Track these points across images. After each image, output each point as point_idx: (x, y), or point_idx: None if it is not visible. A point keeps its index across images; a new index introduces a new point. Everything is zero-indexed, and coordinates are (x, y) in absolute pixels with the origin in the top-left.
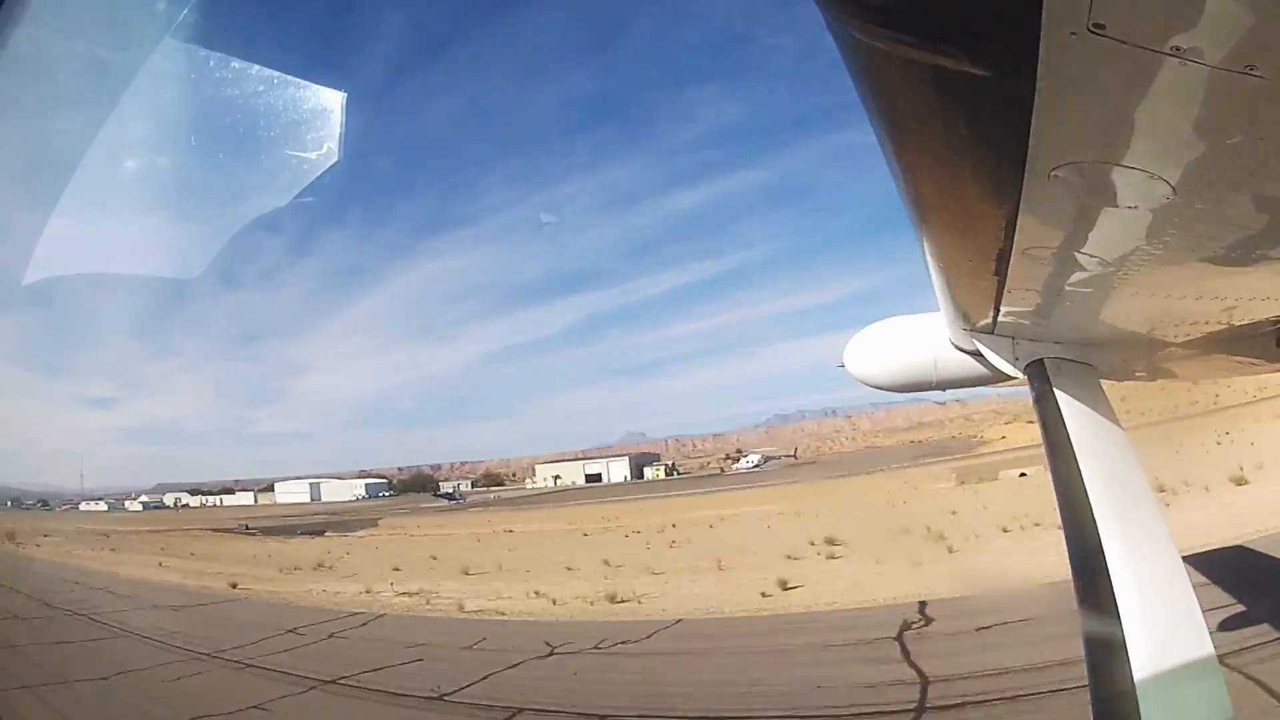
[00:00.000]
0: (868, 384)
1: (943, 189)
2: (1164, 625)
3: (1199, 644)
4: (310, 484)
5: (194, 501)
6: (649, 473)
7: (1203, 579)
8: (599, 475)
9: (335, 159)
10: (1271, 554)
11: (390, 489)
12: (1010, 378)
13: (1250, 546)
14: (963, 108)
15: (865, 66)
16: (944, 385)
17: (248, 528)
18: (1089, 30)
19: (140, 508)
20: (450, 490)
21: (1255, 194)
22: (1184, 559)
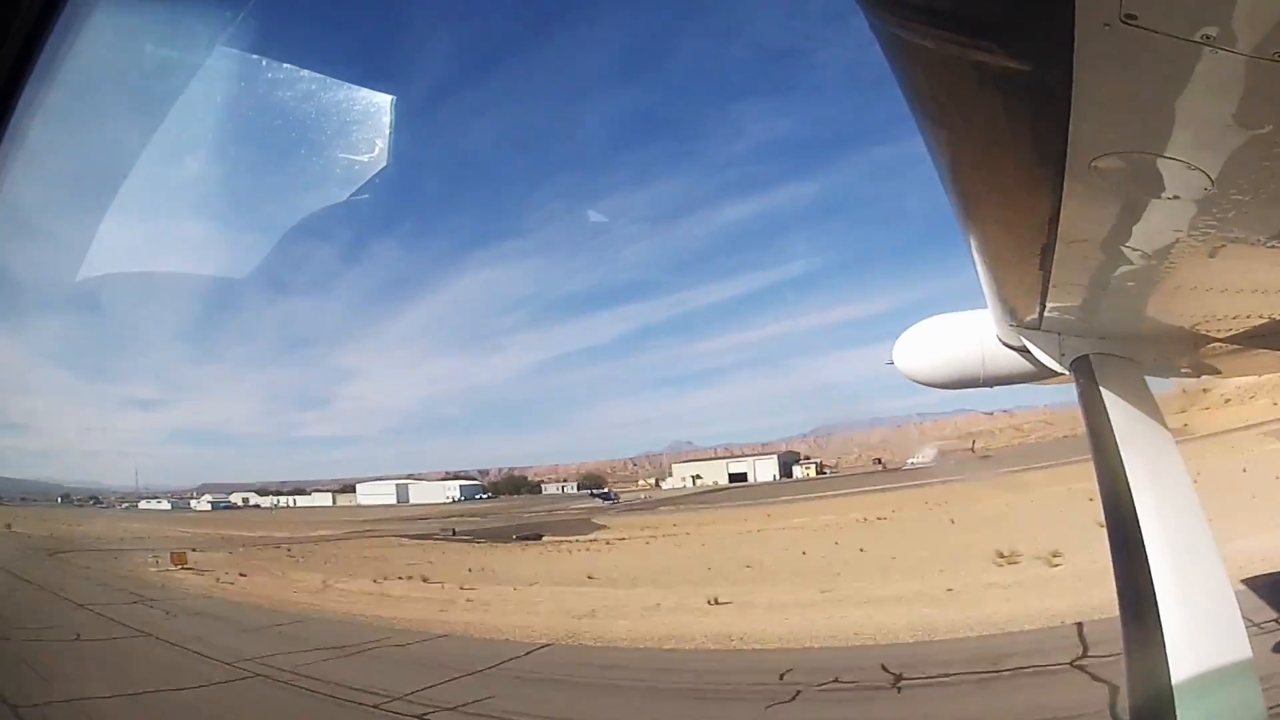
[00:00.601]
0: (916, 380)
1: (986, 182)
2: (1202, 625)
3: (1237, 645)
4: (397, 485)
5: (264, 502)
6: (798, 471)
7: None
8: (744, 474)
9: (385, 162)
10: None
11: (484, 491)
12: (1056, 374)
13: None
14: (1002, 101)
15: (905, 63)
16: (991, 382)
17: (454, 533)
18: (1121, 21)
19: (209, 507)
20: (606, 490)
21: None
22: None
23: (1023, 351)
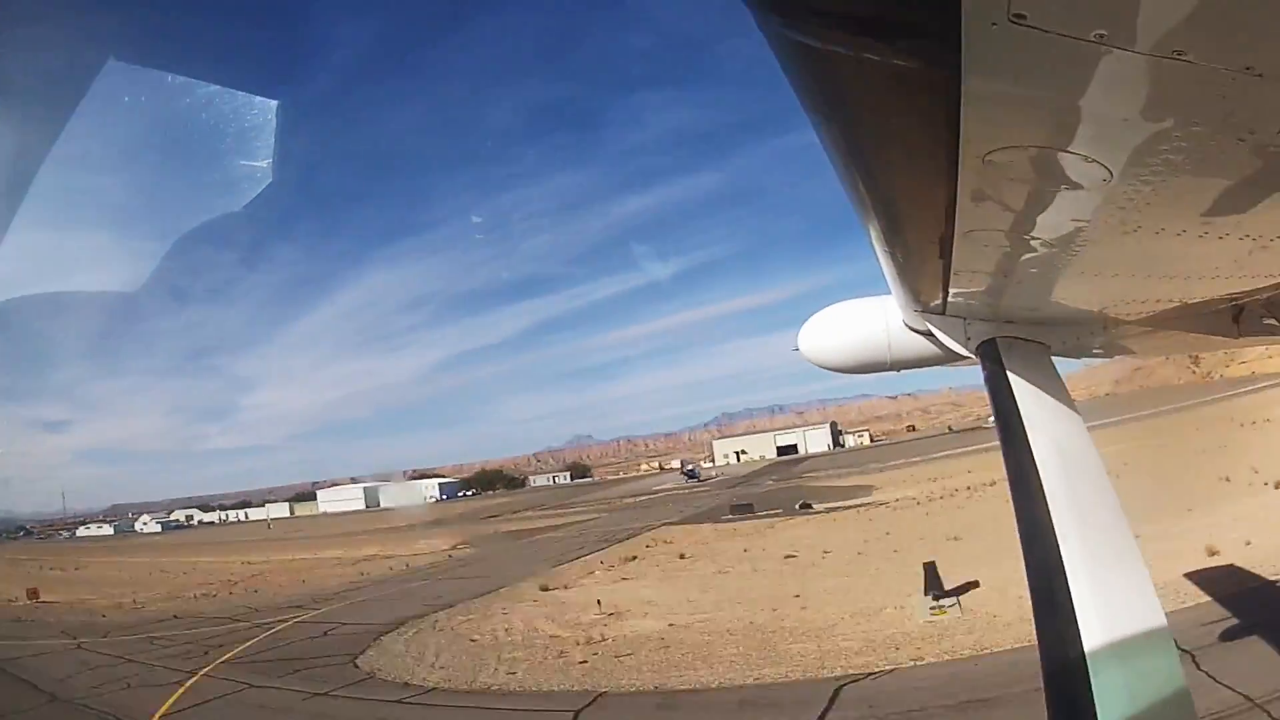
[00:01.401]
0: (822, 366)
1: (880, 178)
2: (1116, 597)
3: (1150, 615)
4: (365, 489)
5: (210, 518)
6: (850, 440)
7: None
8: (793, 446)
9: (273, 166)
10: None
11: (468, 488)
12: (963, 358)
13: None
14: (892, 100)
15: (794, 62)
16: (898, 366)
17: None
18: (1010, 20)
19: (159, 528)
20: (692, 469)
21: (1194, 177)
22: None
23: (928, 336)
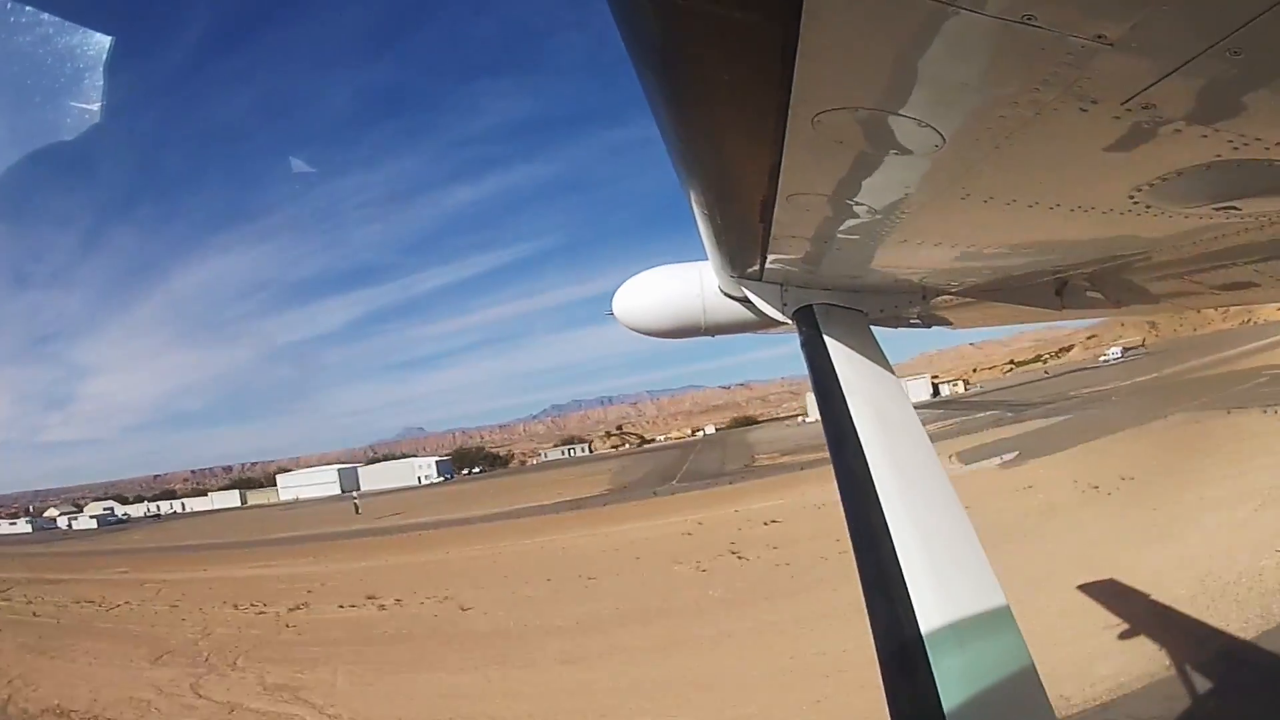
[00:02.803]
0: (636, 330)
1: (706, 135)
2: (946, 572)
3: (986, 589)
4: (340, 470)
5: (135, 511)
6: (945, 389)
7: None
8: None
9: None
10: None
11: (465, 466)
12: (779, 323)
13: None
14: (724, 50)
15: (627, 9)
16: (712, 331)
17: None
18: None
19: (95, 524)
20: None
21: (1030, 146)
22: None
23: (744, 302)
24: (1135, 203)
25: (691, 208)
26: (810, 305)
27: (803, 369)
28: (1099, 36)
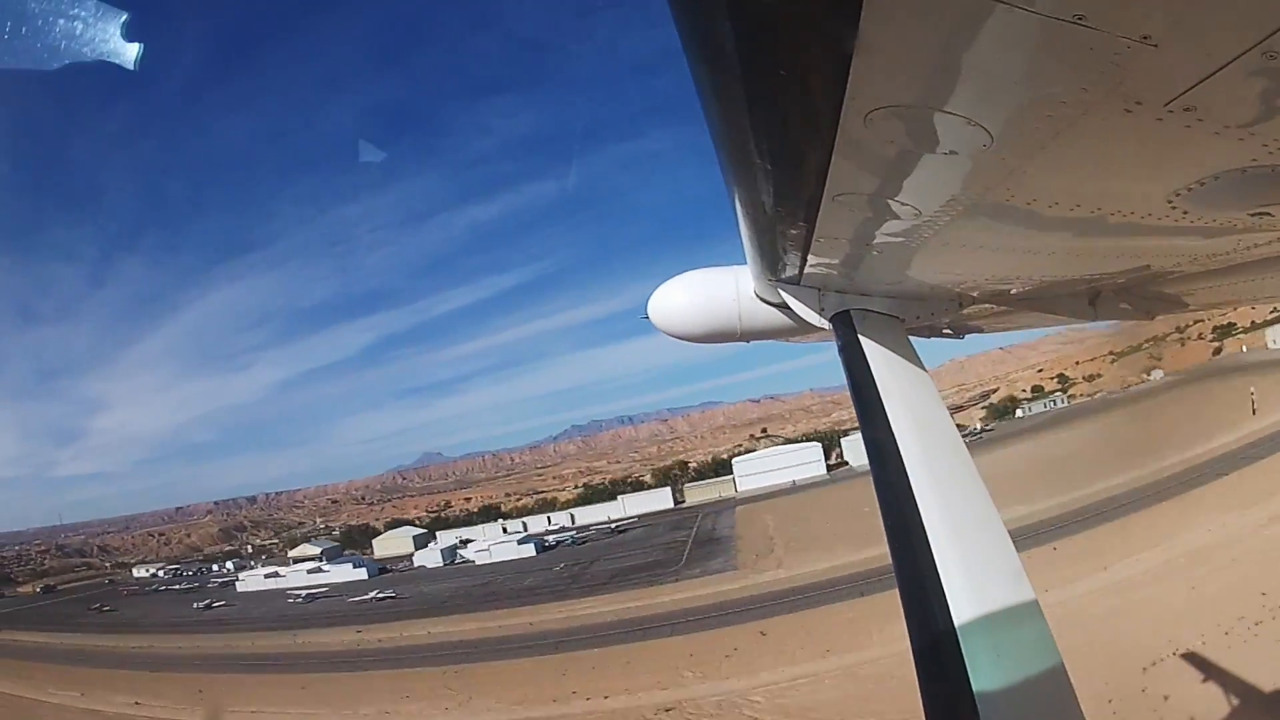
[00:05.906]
0: (671, 335)
1: (759, 132)
2: (981, 570)
3: (1018, 588)
4: (441, 551)
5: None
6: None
7: None
8: None
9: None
10: None
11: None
12: (814, 329)
13: None
14: (784, 45)
15: (686, 3)
16: (748, 337)
17: None
18: None
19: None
20: None
21: (1074, 147)
22: None
23: (781, 307)
24: (1173, 208)
25: (735, 208)
26: (848, 310)
27: (830, 380)
28: (1145, 37)
